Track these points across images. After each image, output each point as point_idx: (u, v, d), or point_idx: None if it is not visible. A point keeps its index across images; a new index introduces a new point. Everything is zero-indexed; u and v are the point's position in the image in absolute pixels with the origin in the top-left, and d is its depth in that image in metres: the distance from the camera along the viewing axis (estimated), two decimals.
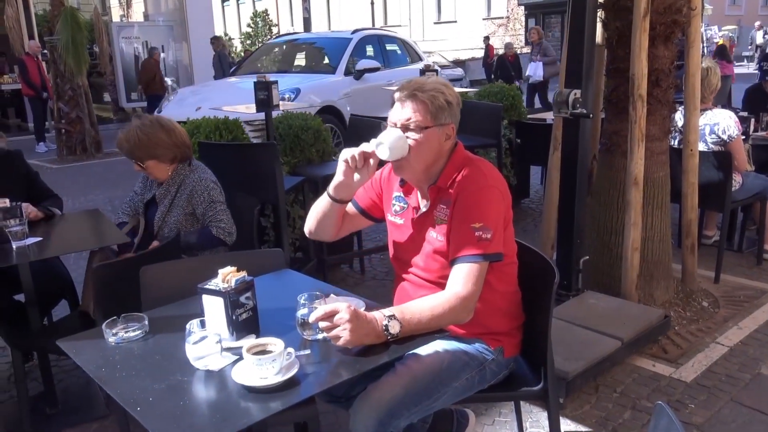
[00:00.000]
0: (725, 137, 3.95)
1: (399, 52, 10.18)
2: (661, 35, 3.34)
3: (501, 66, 13.52)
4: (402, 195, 2.05)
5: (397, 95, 1.90)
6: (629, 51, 3.28)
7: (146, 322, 1.72)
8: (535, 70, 11.77)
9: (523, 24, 28.17)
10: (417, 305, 1.72)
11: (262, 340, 1.51)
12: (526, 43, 26.97)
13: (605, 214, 3.64)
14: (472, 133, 4.82)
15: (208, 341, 1.53)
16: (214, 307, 1.64)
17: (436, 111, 1.85)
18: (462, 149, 1.99)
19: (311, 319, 1.57)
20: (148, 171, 2.82)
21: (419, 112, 1.84)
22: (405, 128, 1.85)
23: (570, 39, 3.18)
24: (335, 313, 1.56)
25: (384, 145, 1.81)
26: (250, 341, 1.60)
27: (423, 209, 1.96)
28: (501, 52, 24.61)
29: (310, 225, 2.10)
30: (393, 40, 10.49)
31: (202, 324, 1.58)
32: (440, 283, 1.89)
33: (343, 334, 1.54)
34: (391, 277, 4.32)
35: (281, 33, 35.59)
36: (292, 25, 39.43)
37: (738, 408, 2.71)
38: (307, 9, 11.97)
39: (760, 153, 4.50)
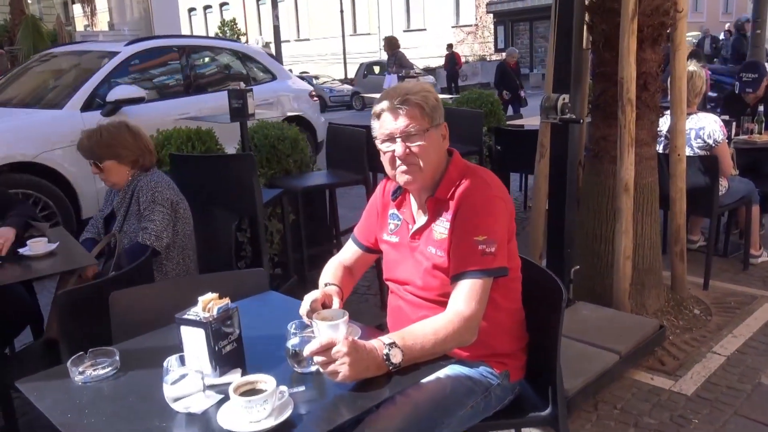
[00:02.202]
0: (711, 141, 3.89)
1: (228, 70, 6.82)
2: (649, 38, 3.26)
3: (503, 73, 12.23)
4: (396, 211, 1.91)
5: (384, 105, 1.76)
6: (616, 54, 3.19)
7: (117, 358, 1.54)
8: (390, 82, 10.29)
9: (492, 32, 28.33)
10: (418, 329, 1.58)
11: (251, 377, 1.34)
12: (496, 50, 27.20)
13: (594, 222, 3.54)
14: (453, 140, 4.66)
15: (188, 379, 1.36)
16: (194, 340, 1.47)
17: (431, 111, 1.75)
18: (459, 157, 1.87)
19: (306, 353, 1.41)
20: (105, 173, 2.69)
21: (416, 116, 1.72)
22: (407, 137, 1.72)
23: (557, 43, 3.08)
24: (332, 345, 1.40)
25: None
26: (235, 377, 1.44)
27: (419, 223, 1.83)
28: (467, 58, 24.74)
29: None
30: (214, 52, 6.92)
31: (182, 360, 1.41)
32: (441, 302, 1.75)
33: (342, 369, 1.38)
34: (372, 292, 4.18)
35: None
36: (261, 34, 39.15)
37: (743, 422, 2.61)
38: (276, 17, 11.77)
39: (742, 157, 4.45)
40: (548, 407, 1.87)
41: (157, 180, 2.69)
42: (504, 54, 13.12)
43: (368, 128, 3.80)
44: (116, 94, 5.21)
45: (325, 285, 1.86)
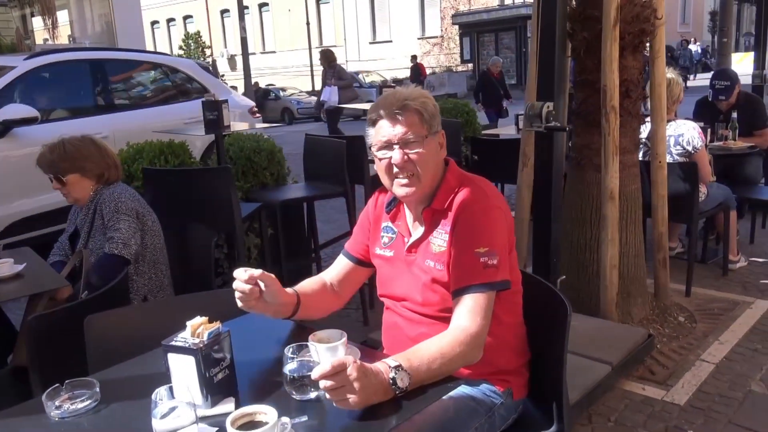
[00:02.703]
0: (690, 148, 3.90)
1: (151, 85, 6.28)
2: (630, 45, 3.25)
3: (486, 83, 11.92)
4: (390, 224, 1.82)
5: (381, 111, 1.68)
6: (598, 62, 3.17)
7: (97, 389, 1.41)
8: (329, 95, 10.38)
9: (458, 43, 28.55)
10: (423, 350, 1.48)
11: (249, 408, 1.23)
12: (462, 61, 27.41)
13: (578, 231, 3.51)
14: None
15: (179, 412, 1.25)
16: (183, 368, 1.35)
17: (430, 118, 1.68)
18: (455, 166, 1.80)
19: (314, 377, 1.31)
20: (68, 188, 2.55)
21: (415, 123, 1.65)
22: (405, 144, 1.64)
23: (541, 51, 3.04)
24: (343, 368, 1.29)
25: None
26: (229, 407, 1.34)
27: (416, 236, 1.74)
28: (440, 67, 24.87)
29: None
30: (133, 66, 6.18)
31: (171, 392, 1.30)
32: (441, 318, 1.67)
33: (351, 395, 1.28)
34: (353, 306, 4.07)
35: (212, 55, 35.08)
36: (226, 47, 38.89)
37: (737, 431, 2.58)
38: (243, 29, 11.62)
39: (717, 163, 4.48)
40: (553, 425, 1.80)
41: (120, 191, 2.58)
42: (488, 64, 12.90)
43: (348, 139, 3.74)
44: (5, 113, 4.59)
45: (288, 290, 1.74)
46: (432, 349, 1.48)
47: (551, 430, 1.79)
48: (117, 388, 1.48)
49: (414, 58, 22.12)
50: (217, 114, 3.23)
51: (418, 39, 31.91)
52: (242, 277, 1.58)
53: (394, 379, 1.36)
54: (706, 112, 4.88)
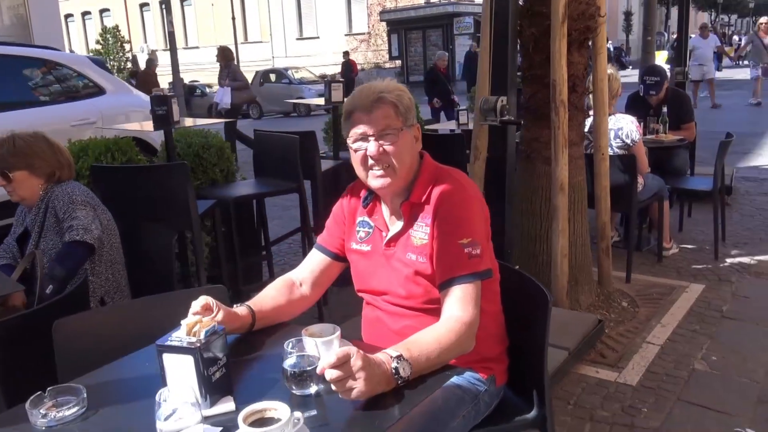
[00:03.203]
0: (629, 141, 4.08)
1: (27, 83, 5.35)
2: (576, 41, 3.37)
3: (434, 79, 11.80)
4: (366, 218, 1.82)
5: (356, 104, 1.69)
6: (546, 57, 3.27)
7: (84, 395, 1.35)
8: (222, 97, 9.71)
9: (386, 39, 28.69)
10: (421, 339, 1.50)
11: (259, 405, 1.21)
12: (390, 58, 27.57)
13: (528, 223, 3.61)
14: None
15: (183, 412, 1.22)
16: (180, 369, 1.31)
17: (405, 111, 1.69)
18: (430, 159, 1.82)
19: (319, 369, 1.30)
20: (14, 185, 2.43)
21: (390, 116, 1.66)
22: (381, 136, 1.65)
23: (494, 46, 3.10)
24: (348, 359, 1.29)
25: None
26: (228, 406, 1.32)
27: (394, 230, 1.75)
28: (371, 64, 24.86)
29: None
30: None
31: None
32: (426, 309, 1.69)
33: (357, 384, 1.28)
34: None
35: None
36: (146, 42, 37.60)
37: (687, 407, 2.73)
38: (171, 22, 11.25)
39: (650, 155, 4.70)
40: (533, 409, 1.85)
41: (73, 187, 2.48)
42: (435, 59, 12.88)
43: (300, 135, 3.69)
44: None
45: (239, 305, 1.68)
46: (429, 339, 1.50)
47: (531, 414, 1.85)
48: (100, 394, 1.42)
49: (346, 54, 22.08)
50: (166, 109, 3.13)
51: (346, 35, 31.88)
52: (195, 308, 1.49)
53: (396, 368, 1.37)
54: (637, 107, 5.11)
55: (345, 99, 1.77)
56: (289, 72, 21.63)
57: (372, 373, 1.30)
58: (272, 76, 21.66)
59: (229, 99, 9.52)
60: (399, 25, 25.94)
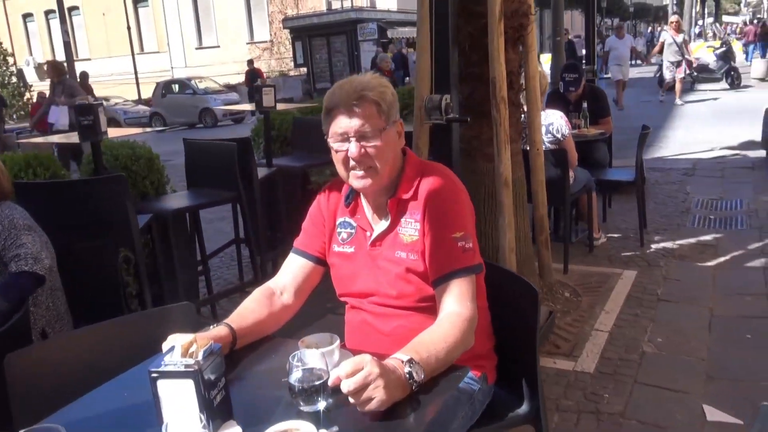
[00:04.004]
0: (559, 136, 4.19)
1: None
2: (510, 39, 3.41)
3: None
4: (348, 219, 1.74)
5: (336, 101, 1.60)
6: (483, 55, 3.29)
7: None
8: (57, 116, 8.39)
9: (289, 47, 28.39)
10: (427, 340, 1.44)
11: (283, 425, 1.11)
12: (295, 65, 27.31)
13: None
14: (316, 151, 4.55)
15: None
16: (178, 395, 1.19)
17: (387, 109, 1.61)
18: (413, 154, 1.76)
19: (332, 380, 1.21)
20: None
21: (373, 115, 1.58)
22: (362, 137, 1.57)
23: (436, 45, 3.09)
24: (361, 367, 1.21)
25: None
26: (234, 430, 1.19)
27: (380, 228, 1.68)
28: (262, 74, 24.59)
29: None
30: None
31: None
32: (418, 308, 1.64)
33: (377, 394, 1.20)
34: None
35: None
36: (31, 54, 35.42)
37: (645, 389, 2.81)
38: (66, 32, 10.58)
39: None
40: (523, 405, 1.84)
41: (11, 209, 2.24)
42: (378, 62, 12.73)
43: (238, 141, 3.53)
44: None
45: (216, 325, 1.54)
46: (435, 338, 1.44)
47: (523, 409, 1.83)
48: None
49: (250, 62, 21.60)
50: (92, 119, 2.89)
51: (248, 44, 31.29)
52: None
53: (410, 373, 1.31)
54: (557, 103, 5.26)
55: (326, 94, 1.66)
56: (193, 82, 20.96)
57: (389, 379, 1.23)
58: (175, 87, 20.91)
59: (66, 120, 8.18)
60: (302, 33, 25.71)
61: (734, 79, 15.21)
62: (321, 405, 1.27)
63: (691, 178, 6.76)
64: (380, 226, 1.69)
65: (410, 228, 1.64)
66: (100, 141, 3.00)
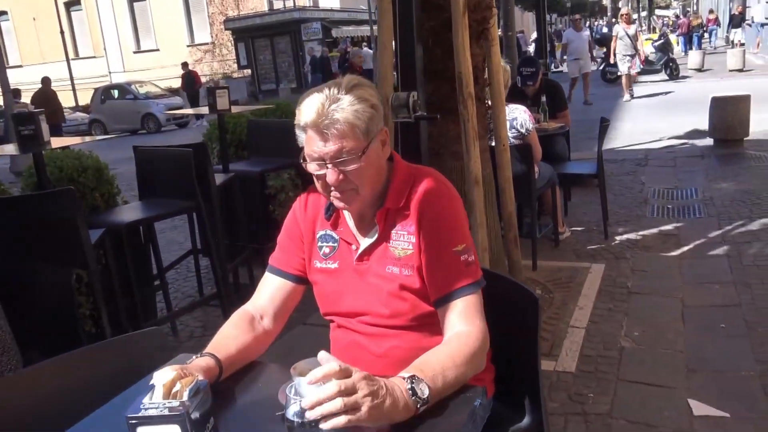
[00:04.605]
0: (523, 131, 4.14)
1: None
2: (474, 33, 3.32)
3: None
4: (330, 232, 1.58)
5: (308, 120, 1.37)
6: (446, 50, 3.20)
7: None
8: None
9: (231, 49, 27.87)
10: (432, 359, 1.32)
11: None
12: (239, 67, 26.84)
13: None
14: (267, 154, 4.38)
15: None
16: None
17: (366, 125, 1.38)
18: (401, 159, 1.61)
19: (303, 385, 1.11)
20: None
21: (348, 137, 1.37)
22: (339, 163, 1.38)
23: (401, 40, 2.98)
24: (347, 374, 1.13)
25: None
26: None
27: (368, 241, 1.53)
28: (206, 78, 24.05)
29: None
30: None
31: None
32: (412, 327, 1.51)
33: (362, 407, 1.10)
34: (210, 332, 3.68)
35: None
36: None
37: (629, 386, 2.77)
38: None
39: None
40: (524, 418, 1.73)
41: None
42: (350, 57, 12.31)
43: (193, 146, 3.34)
44: None
45: (198, 356, 1.37)
46: (441, 357, 1.32)
47: (525, 423, 1.73)
48: None
49: (185, 65, 20.90)
50: (33, 128, 2.65)
51: (188, 46, 30.61)
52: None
53: (413, 389, 1.20)
54: (515, 98, 5.23)
55: (298, 104, 1.47)
56: (133, 87, 20.29)
57: (378, 395, 1.13)
58: (114, 93, 20.19)
59: None
60: (245, 34, 25.25)
61: (673, 70, 15.64)
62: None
63: (645, 169, 6.85)
64: (367, 239, 1.54)
65: (402, 241, 1.50)
66: (43, 152, 2.77)
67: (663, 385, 2.75)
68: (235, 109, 4.34)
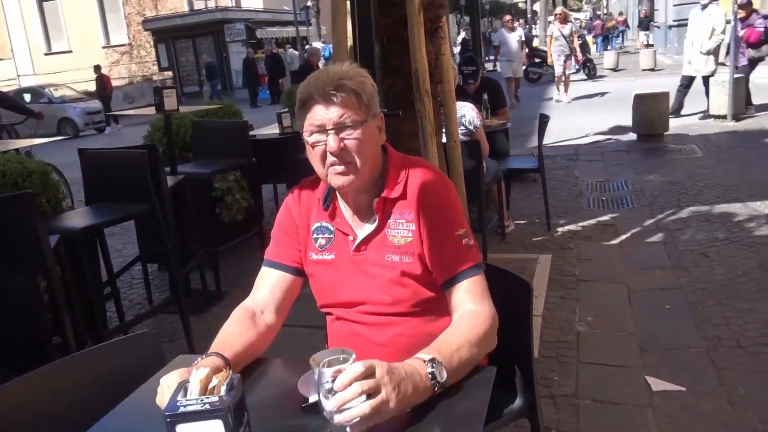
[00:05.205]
0: (471, 127, 4.24)
1: None
2: (428, 31, 3.38)
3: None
4: (325, 223, 1.60)
5: (313, 91, 1.45)
6: (401, 47, 3.25)
7: None
8: None
9: (150, 50, 27.00)
10: (448, 340, 1.36)
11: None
12: (160, 69, 26.04)
13: None
14: (212, 156, 4.30)
15: None
16: None
17: (368, 100, 1.49)
18: (393, 149, 1.65)
19: (326, 374, 1.14)
20: None
21: (352, 105, 1.45)
22: (340, 128, 1.44)
23: (360, 40, 3.01)
24: (371, 372, 1.16)
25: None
26: None
27: (366, 231, 1.56)
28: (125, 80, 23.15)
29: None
30: None
31: None
32: (414, 313, 1.54)
33: (391, 397, 1.15)
34: (164, 340, 3.57)
35: None
36: None
37: (589, 368, 2.89)
38: None
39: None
40: (515, 400, 1.80)
41: None
42: (306, 54, 11.80)
43: (145, 148, 3.24)
44: None
45: (204, 356, 1.35)
46: (456, 337, 1.37)
47: (517, 404, 1.79)
48: None
49: (97, 68, 19.86)
50: None
51: (104, 48, 29.40)
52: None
53: (432, 373, 1.24)
54: (457, 96, 5.33)
55: (300, 86, 1.51)
56: (47, 90, 19.30)
57: (399, 383, 1.18)
58: (27, 96, 19.12)
59: None
60: (165, 35, 24.54)
61: (591, 70, 16.32)
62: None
63: (576, 163, 7.14)
64: (365, 229, 1.56)
65: (402, 229, 1.53)
66: None
67: (621, 364, 2.90)
68: (183, 109, 4.23)
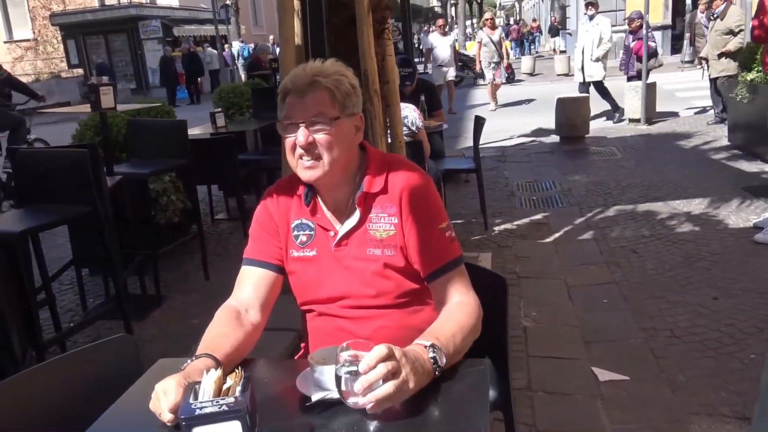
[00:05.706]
0: (414, 128, 4.29)
1: None
2: (376, 32, 3.40)
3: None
4: (305, 220, 1.60)
5: (290, 85, 1.49)
6: (349, 47, 3.24)
7: None
8: None
9: (58, 46, 25.68)
10: (443, 326, 1.41)
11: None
12: (69, 66, 24.81)
13: None
14: (147, 156, 4.14)
15: None
16: None
17: (343, 98, 1.50)
18: (372, 147, 1.68)
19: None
20: None
21: (325, 102, 1.47)
22: (311, 124, 1.46)
23: (312, 39, 2.99)
24: (390, 354, 1.18)
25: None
26: None
27: (347, 227, 1.56)
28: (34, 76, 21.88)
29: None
30: None
31: None
32: (398, 304, 1.57)
33: (409, 382, 1.20)
34: None
35: None
36: None
37: (540, 361, 3.00)
38: None
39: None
40: (490, 392, 1.83)
41: None
42: (258, 52, 11.51)
43: (89, 147, 3.09)
44: None
45: (194, 358, 1.32)
46: (451, 325, 1.42)
47: (491, 397, 1.82)
48: None
49: None
50: None
51: (6, 43, 27.72)
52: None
53: (434, 357, 1.29)
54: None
55: (284, 79, 1.51)
56: None
57: (414, 367, 1.22)
58: None
59: None
60: (75, 30, 23.36)
61: (509, 74, 16.84)
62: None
63: (505, 164, 7.36)
64: (346, 224, 1.57)
65: (384, 223, 1.55)
66: None
67: (568, 357, 3.01)
68: (120, 108, 4.05)
